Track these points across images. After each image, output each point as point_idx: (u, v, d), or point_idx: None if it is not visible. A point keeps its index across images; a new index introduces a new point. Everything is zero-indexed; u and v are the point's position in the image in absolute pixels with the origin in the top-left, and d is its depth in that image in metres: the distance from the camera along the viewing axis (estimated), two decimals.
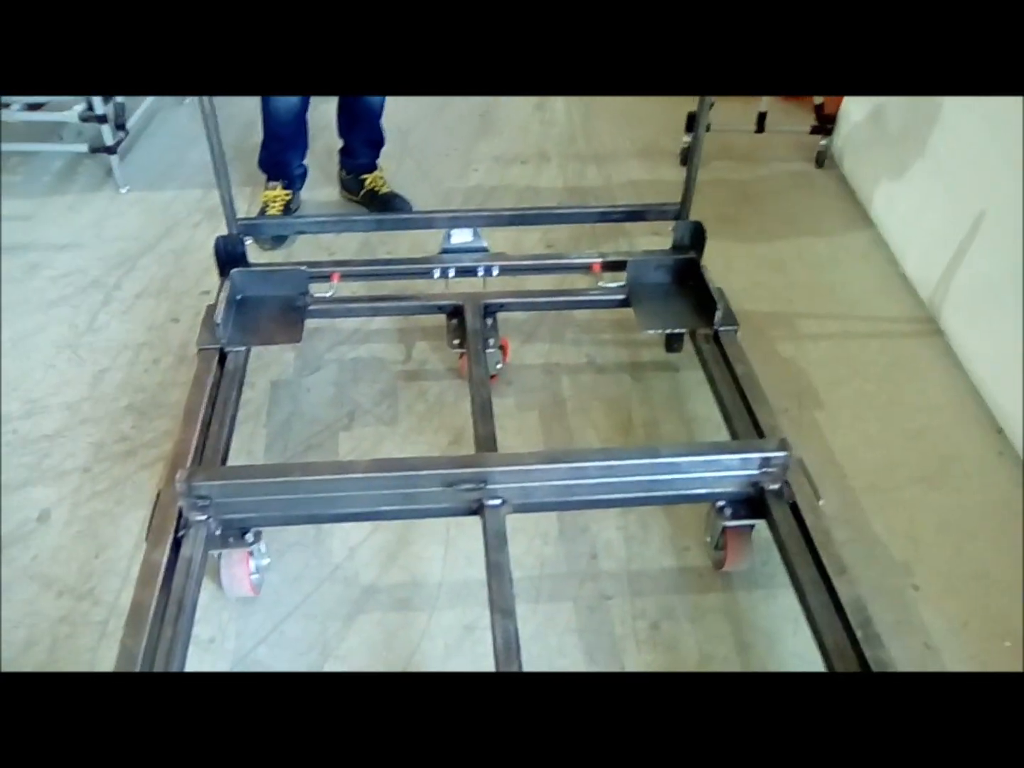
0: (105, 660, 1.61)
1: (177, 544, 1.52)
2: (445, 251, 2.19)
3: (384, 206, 2.84)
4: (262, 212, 2.77)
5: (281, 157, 2.78)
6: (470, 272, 2.17)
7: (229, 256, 2.12)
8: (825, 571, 1.49)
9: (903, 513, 1.92)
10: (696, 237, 2.18)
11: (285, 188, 2.77)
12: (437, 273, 2.17)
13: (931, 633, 1.69)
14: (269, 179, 2.80)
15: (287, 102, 2.61)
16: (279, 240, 2.69)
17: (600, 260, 2.19)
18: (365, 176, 2.87)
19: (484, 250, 2.19)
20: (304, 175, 2.88)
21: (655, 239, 2.65)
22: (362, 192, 2.89)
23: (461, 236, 2.18)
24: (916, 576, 1.79)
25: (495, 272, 2.17)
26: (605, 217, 2.43)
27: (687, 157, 3.11)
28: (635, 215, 2.33)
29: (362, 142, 2.87)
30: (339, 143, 2.93)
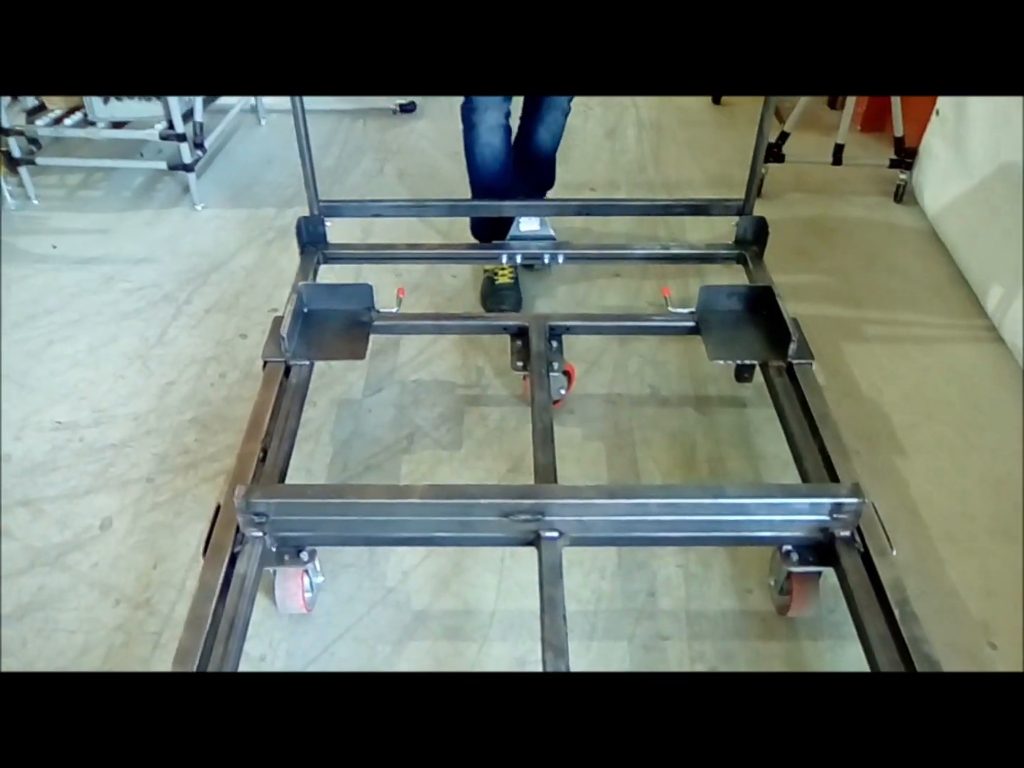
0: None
1: (233, 559, 1.52)
2: (514, 238, 2.28)
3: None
4: (490, 282, 2.53)
5: (491, 225, 2.47)
6: (536, 258, 2.29)
7: (310, 236, 2.28)
8: (896, 627, 1.41)
9: (980, 565, 1.83)
10: (759, 232, 2.26)
11: None
12: (505, 259, 2.29)
13: None
14: None
15: (492, 148, 2.40)
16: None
17: (662, 252, 2.31)
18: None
19: (551, 239, 2.28)
20: None
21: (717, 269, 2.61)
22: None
23: (529, 224, 2.27)
24: (993, 633, 1.70)
25: (560, 259, 2.28)
26: (669, 210, 2.51)
27: (760, 189, 3.08)
28: (699, 209, 2.39)
29: (532, 184, 2.66)
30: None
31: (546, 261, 2.28)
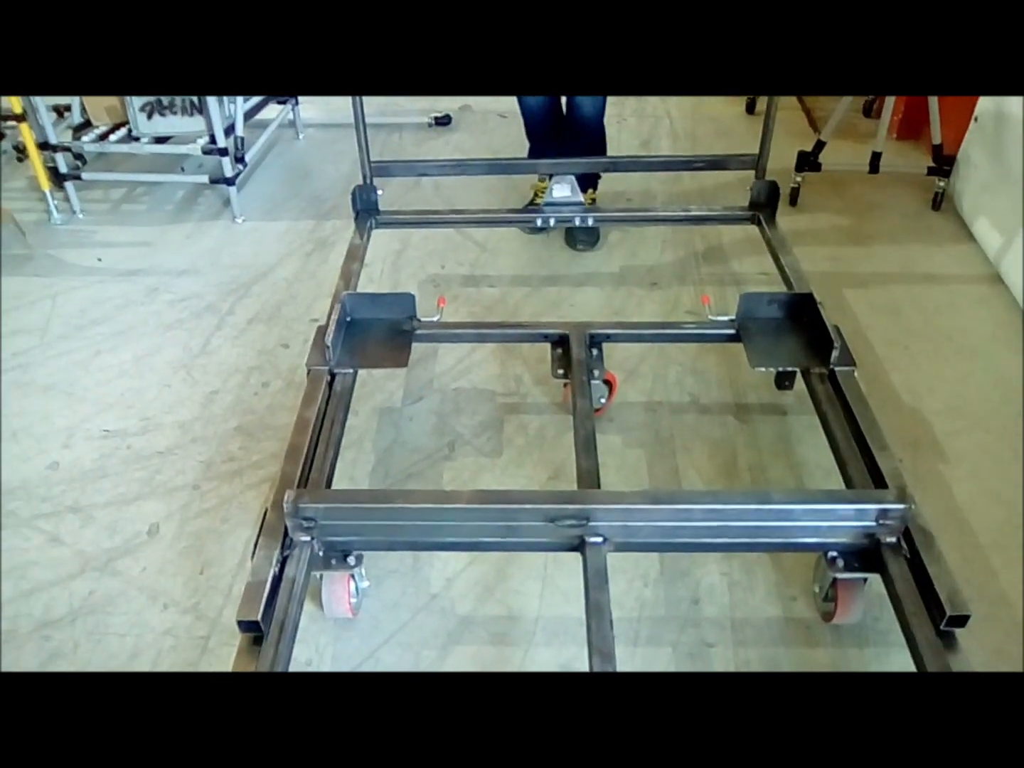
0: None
1: (282, 564, 1.54)
2: (548, 204, 2.54)
3: (584, 231, 2.84)
4: (531, 201, 2.98)
5: (540, 151, 2.92)
6: (568, 221, 2.56)
7: (364, 203, 2.52)
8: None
9: None
10: (771, 195, 2.49)
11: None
12: (539, 222, 2.54)
13: None
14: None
15: (536, 99, 2.78)
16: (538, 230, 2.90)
17: (683, 214, 2.62)
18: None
19: (580, 204, 2.53)
20: None
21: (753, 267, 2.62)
22: None
23: (561, 191, 2.52)
24: None
25: (590, 221, 2.57)
26: (689, 166, 2.82)
27: (796, 199, 3.08)
28: (716, 164, 2.68)
29: (583, 153, 2.79)
30: None
31: (576, 223, 2.56)
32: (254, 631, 1.42)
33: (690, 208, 2.64)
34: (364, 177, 2.50)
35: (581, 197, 2.53)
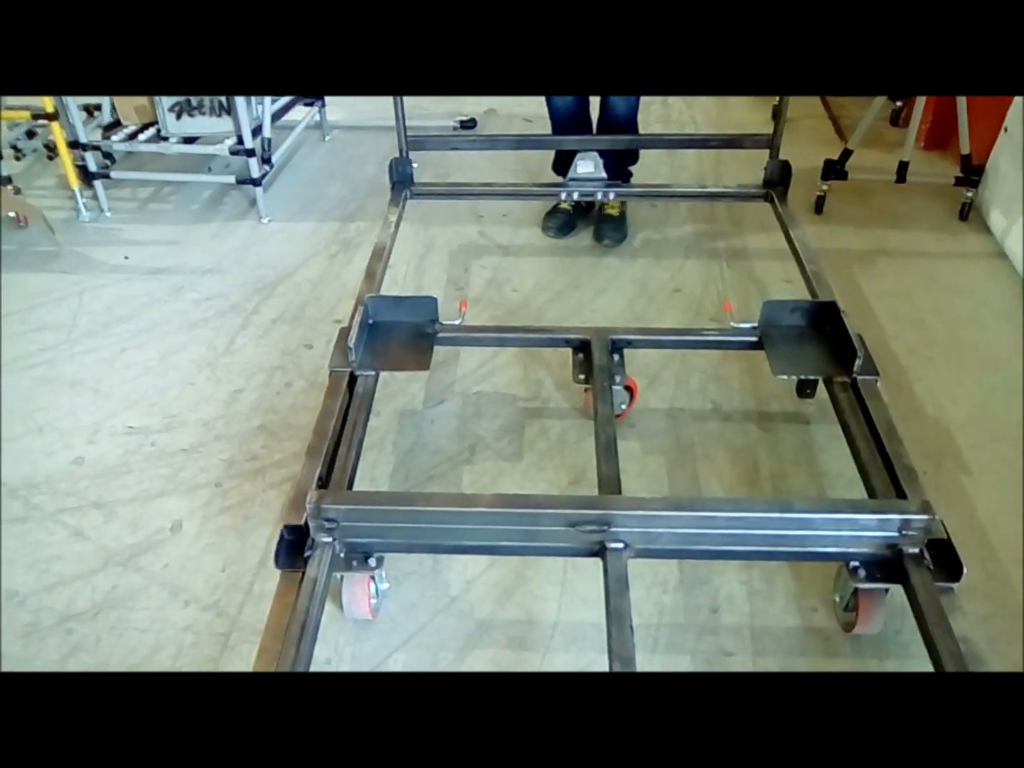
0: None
1: (303, 564, 1.55)
2: (572, 179, 2.67)
3: (612, 227, 2.91)
4: (555, 208, 3.00)
5: (567, 153, 2.84)
6: (591, 195, 2.69)
7: (399, 175, 2.70)
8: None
9: None
10: (784, 174, 2.64)
11: None
12: (564, 195, 2.71)
13: None
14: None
15: (564, 100, 2.82)
16: (562, 231, 2.98)
17: (699, 190, 2.77)
18: None
19: (604, 179, 2.66)
20: None
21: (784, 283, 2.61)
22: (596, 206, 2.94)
23: (585, 167, 2.65)
24: None
25: (611, 196, 2.71)
26: (706, 143, 3.06)
27: (821, 207, 3.07)
28: (732, 143, 2.86)
29: (617, 155, 2.84)
30: None
31: (599, 197, 2.69)
32: (295, 536, 1.54)
33: (706, 185, 2.75)
34: (400, 150, 2.65)
35: (604, 173, 2.63)
